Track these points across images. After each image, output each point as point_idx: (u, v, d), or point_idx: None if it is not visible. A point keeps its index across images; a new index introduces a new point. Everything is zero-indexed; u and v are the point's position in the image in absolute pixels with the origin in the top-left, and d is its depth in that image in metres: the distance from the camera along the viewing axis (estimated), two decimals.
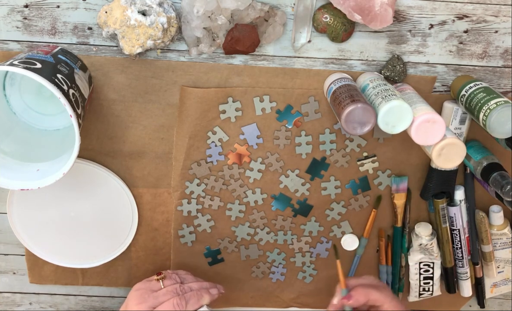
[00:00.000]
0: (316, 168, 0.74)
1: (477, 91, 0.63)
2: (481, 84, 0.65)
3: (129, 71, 0.67)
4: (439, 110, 0.70)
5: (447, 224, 0.77)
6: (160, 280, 0.70)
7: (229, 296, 0.85)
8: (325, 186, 0.76)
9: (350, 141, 0.72)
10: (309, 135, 0.72)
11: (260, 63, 0.67)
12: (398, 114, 0.59)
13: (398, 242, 0.80)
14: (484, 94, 0.62)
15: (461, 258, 0.79)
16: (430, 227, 0.79)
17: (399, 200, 0.76)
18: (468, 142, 0.73)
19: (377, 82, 0.64)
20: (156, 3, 0.60)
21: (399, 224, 0.79)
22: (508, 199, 0.66)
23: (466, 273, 0.81)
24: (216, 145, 0.72)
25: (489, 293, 0.85)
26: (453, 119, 0.69)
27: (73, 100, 0.56)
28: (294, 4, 0.64)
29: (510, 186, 0.65)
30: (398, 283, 0.83)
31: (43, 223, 0.76)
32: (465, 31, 0.66)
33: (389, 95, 0.60)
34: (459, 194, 0.76)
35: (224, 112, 0.70)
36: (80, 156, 0.71)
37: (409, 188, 0.77)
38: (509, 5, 0.65)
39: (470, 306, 0.88)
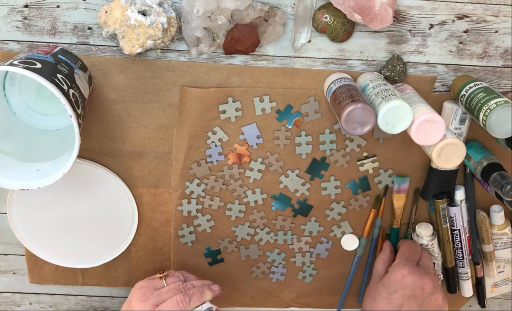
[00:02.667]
0: (316, 168, 0.74)
1: (477, 91, 0.63)
2: (481, 84, 0.65)
3: (129, 71, 0.67)
4: (439, 110, 0.70)
5: (448, 224, 0.77)
6: (163, 278, 0.71)
7: (229, 296, 0.85)
8: (325, 186, 0.76)
9: (350, 141, 0.72)
10: (309, 135, 0.72)
11: (260, 63, 0.67)
12: (398, 114, 0.59)
13: (394, 243, 0.80)
14: (484, 94, 0.62)
15: (461, 258, 0.79)
16: (431, 227, 0.78)
17: (399, 201, 0.76)
18: (468, 142, 0.73)
19: (377, 82, 0.64)
20: (156, 3, 0.60)
21: (397, 225, 0.78)
22: (508, 199, 0.66)
23: (467, 273, 0.81)
24: (216, 145, 0.72)
25: (489, 293, 0.85)
26: (453, 119, 0.69)
27: (73, 100, 0.56)
28: (294, 4, 0.64)
29: (510, 186, 0.65)
30: None
31: (43, 223, 0.76)
32: (465, 31, 0.66)
33: (389, 95, 0.60)
34: (460, 194, 0.76)
35: (224, 112, 0.70)
36: (80, 156, 0.71)
37: (418, 188, 0.77)
38: (509, 5, 0.65)
39: (470, 306, 0.88)
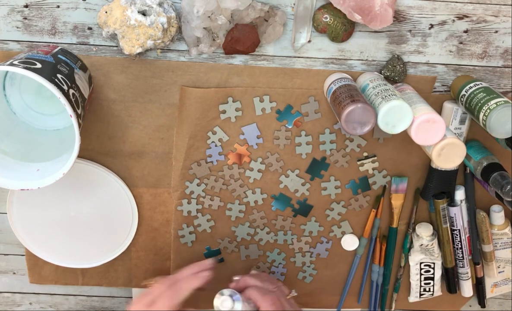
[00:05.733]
0: (316, 168, 0.74)
1: (477, 91, 0.63)
2: (481, 84, 0.65)
3: (129, 71, 0.67)
4: (439, 110, 0.70)
5: (448, 224, 0.77)
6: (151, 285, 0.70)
7: None
8: (325, 186, 0.76)
9: (350, 141, 0.72)
10: (309, 135, 0.72)
11: (260, 63, 0.67)
12: (398, 114, 0.59)
13: (392, 242, 0.80)
14: (484, 94, 0.62)
15: (461, 258, 0.79)
16: (431, 227, 0.78)
17: (397, 201, 0.76)
18: (468, 142, 0.73)
19: (377, 82, 0.64)
20: (156, 3, 0.60)
21: (396, 225, 0.78)
22: (508, 199, 0.66)
23: (467, 273, 0.81)
24: (216, 145, 0.72)
25: (489, 293, 0.85)
26: (453, 119, 0.69)
27: (73, 100, 0.56)
28: (294, 4, 0.64)
29: (510, 186, 0.65)
30: (394, 284, 0.84)
31: (43, 223, 0.76)
32: (465, 31, 0.66)
33: (389, 95, 0.60)
34: (460, 194, 0.76)
35: (224, 112, 0.70)
36: (80, 156, 0.71)
37: (419, 188, 0.77)
38: (509, 5, 0.65)
39: (470, 306, 0.88)
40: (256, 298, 0.66)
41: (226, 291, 0.65)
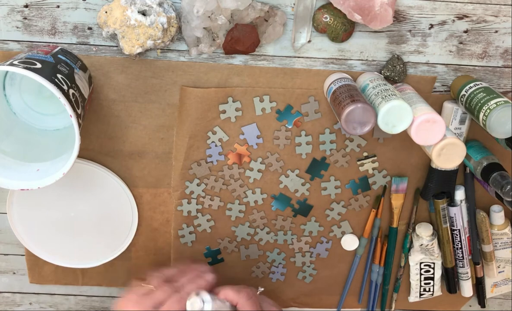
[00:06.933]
0: (316, 168, 0.74)
1: (477, 91, 0.63)
2: (481, 84, 0.65)
3: (129, 71, 0.67)
4: (439, 110, 0.70)
5: (448, 224, 0.77)
6: (147, 284, 0.67)
7: None
8: (325, 186, 0.76)
9: (350, 141, 0.72)
10: (309, 135, 0.72)
11: (260, 63, 0.67)
12: (398, 114, 0.59)
13: (393, 242, 0.80)
14: (484, 94, 0.62)
15: (461, 258, 0.79)
16: (431, 227, 0.78)
17: (397, 201, 0.76)
18: (468, 142, 0.73)
19: (377, 82, 0.64)
20: (156, 3, 0.60)
21: (396, 225, 0.78)
22: (508, 199, 0.66)
23: (467, 273, 0.81)
24: (216, 145, 0.72)
25: (489, 293, 0.85)
26: (453, 119, 0.69)
27: (73, 100, 0.56)
28: (294, 4, 0.64)
29: (510, 186, 0.65)
30: (394, 284, 0.84)
31: (43, 223, 0.76)
32: (465, 31, 0.66)
33: (389, 95, 0.60)
34: (460, 194, 0.76)
35: (224, 112, 0.70)
36: (80, 156, 0.71)
37: (419, 188, 0.77)
38: (509, 5, 0.65)
39: (470, 306, 0.88)
40: (232, 296, 0.66)
41: (193, 292, 0.63)
